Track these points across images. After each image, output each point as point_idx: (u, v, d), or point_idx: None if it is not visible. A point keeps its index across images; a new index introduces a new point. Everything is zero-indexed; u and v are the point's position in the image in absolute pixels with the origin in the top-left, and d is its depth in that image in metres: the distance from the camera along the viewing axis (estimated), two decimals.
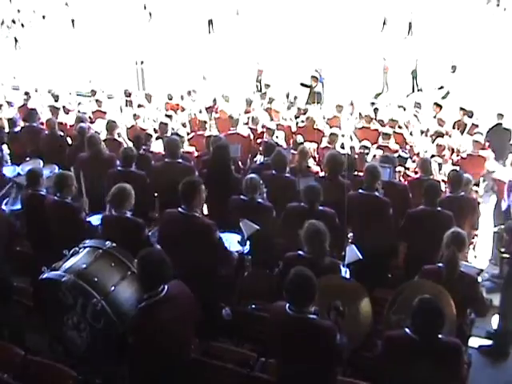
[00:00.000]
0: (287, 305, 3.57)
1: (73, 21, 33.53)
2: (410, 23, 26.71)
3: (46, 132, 8.28)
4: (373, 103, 12.58)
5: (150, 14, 33.64)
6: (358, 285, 4.31)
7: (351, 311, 4.03)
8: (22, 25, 33.83)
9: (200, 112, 11.50)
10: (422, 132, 10.07)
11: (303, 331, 3.53)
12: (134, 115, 10.26)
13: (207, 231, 4.62)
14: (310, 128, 9.40)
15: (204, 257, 4.56)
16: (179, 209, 4.67)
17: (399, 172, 7.30)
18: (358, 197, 5.62)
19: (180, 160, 6.37)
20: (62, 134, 8.28)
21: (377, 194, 5.58)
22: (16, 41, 30.30)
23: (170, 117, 10.08)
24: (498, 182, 7.68)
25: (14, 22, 34.08)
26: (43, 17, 33.20)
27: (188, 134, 9.40)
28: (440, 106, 11.27)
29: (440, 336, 3.52)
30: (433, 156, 7.93)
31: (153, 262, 3.68)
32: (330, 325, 3.57)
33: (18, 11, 34.30)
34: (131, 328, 3.69)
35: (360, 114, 10.99)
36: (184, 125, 10.29)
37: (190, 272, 4.26)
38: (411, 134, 10.30)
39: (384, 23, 28.73)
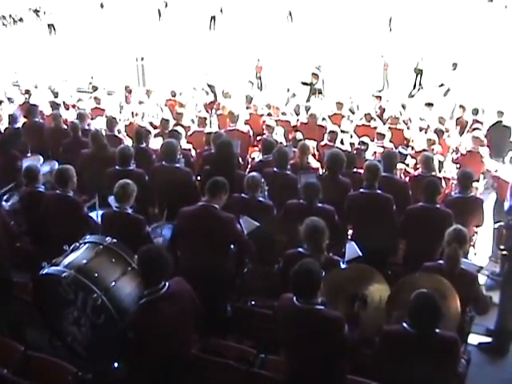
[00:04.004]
0: (294, 297, 3.59)
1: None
2: (390, 18, 26.91)
3: (51, 125, 8.29)
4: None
5: (159, 12, 33.52)
6: (372, 268, 4.30)
7: (373, 300, 4.08)
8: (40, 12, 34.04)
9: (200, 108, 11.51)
10: (421, 129, 10.07)
11: (312, 322, 3.56)
12: (132, 113, 10.24)
13: (228, 223, 4.68)
14: (312, 125, 9.39)
15: (220, 249, 4.66)
16: (200, 203, 4.75)
17: (400, 169, 7.29)
18: (359, 196, 5.62)
19: (178, 165, 6.30)
20: (66, 127, 8.29)
21: (378, 191, 5.58)
22: (49, 27, 30.57)
23: (180, 114, 9.99)
24: (499, 180, 7.66)
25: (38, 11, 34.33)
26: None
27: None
28: (431, 105, 11.32)
29: (437, 330, 3.53)
30: (424, 150, 7.94)
31: (153, 258, 3.69)
32: (338, 315, 3.60)
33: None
34: (131, 324, 3.70)
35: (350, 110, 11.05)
36: (193, 121, 10.26)
37: (204, 267, 4.36)
38: (408, 128, 10.33)
39: (289, 15, 29.83)
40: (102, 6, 36.36)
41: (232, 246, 4.88)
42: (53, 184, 6.28)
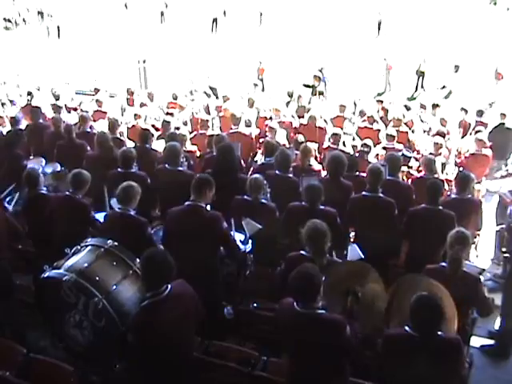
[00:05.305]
0: (295, 302, 3.58)
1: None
2: (379, 23, 26.94)
3: (51, 129, 8.30)
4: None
5: (162, 14, 33.63)
6: (367, 265, 4.31)
7: (366, 295, 4.06)
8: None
9: (199, 111, 11.50)
10: (423, 131, 10.05)
11: (313, 326, 3.55)
12: (135, 115, 10.26)
13: (215, 221, 4.68)
14: (311, 126, 9.38)
15: (209, 249, 4.63)
16: (185, 203, 4.71)
17: (403, 172, 7.28)
18: (361, 199, 5.61)
19: (181, 168, 6.28)
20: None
21: (381, 195, 5.57)
22: (47, 29, 30.88)
23: (171, 115, 10.05)
24: (504, 197, 7.60)
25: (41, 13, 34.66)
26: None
27: (190, 132, 9.41)
28: (437, 106, 11.29)
29: (439, 333, 3.53)
30: (431, 154, 7.91)
31: (156, 261, 3.69)
32: (339, 318, 3.59)
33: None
34: (133, 326, 3.70)
35: (360, 112, 10.99)
36: (185, 123, 10.28)
37: (194, 269, 4.29)
38: (413, 131, 10.30)
39: (261, 16, 31.37)
40: (126, 6, 36.66)
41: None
42: (55, 186, 6.31)
